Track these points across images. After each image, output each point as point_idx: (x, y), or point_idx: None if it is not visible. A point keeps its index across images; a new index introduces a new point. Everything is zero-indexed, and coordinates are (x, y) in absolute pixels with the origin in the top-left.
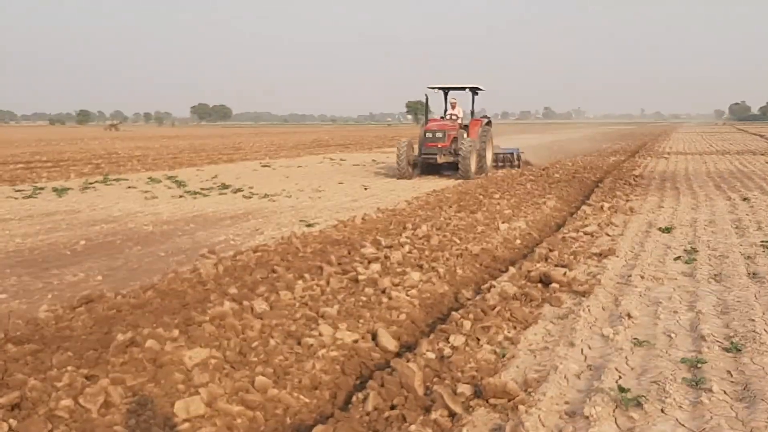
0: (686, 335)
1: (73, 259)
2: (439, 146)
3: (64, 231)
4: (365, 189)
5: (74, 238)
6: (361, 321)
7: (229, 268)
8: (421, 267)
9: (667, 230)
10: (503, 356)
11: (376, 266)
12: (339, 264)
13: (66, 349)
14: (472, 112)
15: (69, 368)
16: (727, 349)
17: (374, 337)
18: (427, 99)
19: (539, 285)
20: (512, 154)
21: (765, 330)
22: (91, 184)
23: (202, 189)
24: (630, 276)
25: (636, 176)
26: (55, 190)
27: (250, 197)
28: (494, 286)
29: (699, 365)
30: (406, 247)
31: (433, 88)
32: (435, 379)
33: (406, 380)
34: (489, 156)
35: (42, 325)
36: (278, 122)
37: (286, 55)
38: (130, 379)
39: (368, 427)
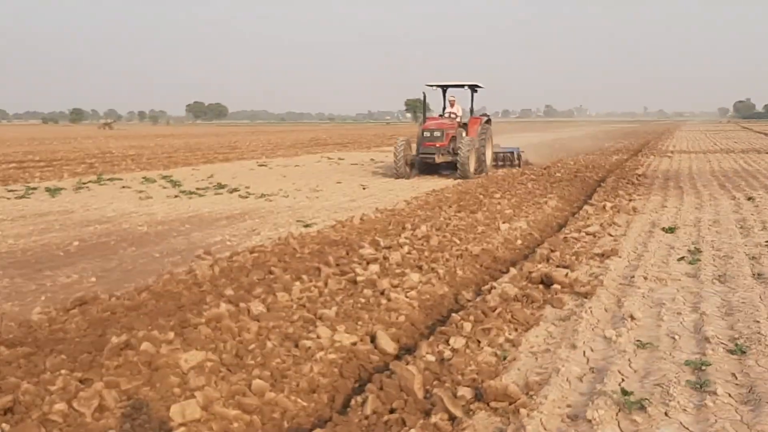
0: (690, 337)
1: (67, 260)
2: (438, 145)
3: (57, 232)
4: (364, 189)
5: (68, 238)
6: (360, 323)
7: (225, 269)
8: (420, 268)
9: (671, 230)
10: (504, 359)
11: (374, 267)
12: (337, 265)
13: (59, 352)
14: (471, 110)
15: (63, 371)
16: (731, 351)
17: (373, 339)
18: (424, 97)
19: (541, 286)
20: (512, 153)
21: None
22: (84, 184)
23: (197, 189)
24: (633, 277)
25: (639, 175)
26: (48, 190)
27: (247, 197)
28: (495, 288)
29: (703, 367)
30: (406, 248)
31: (431, 85)
32: (435, 382)
33: (405, 383)
34: (489, 155)
35: (35, 328)
36: (275, 121)
37: (283, 53)
38: (125, 382)
39: (367, 431)
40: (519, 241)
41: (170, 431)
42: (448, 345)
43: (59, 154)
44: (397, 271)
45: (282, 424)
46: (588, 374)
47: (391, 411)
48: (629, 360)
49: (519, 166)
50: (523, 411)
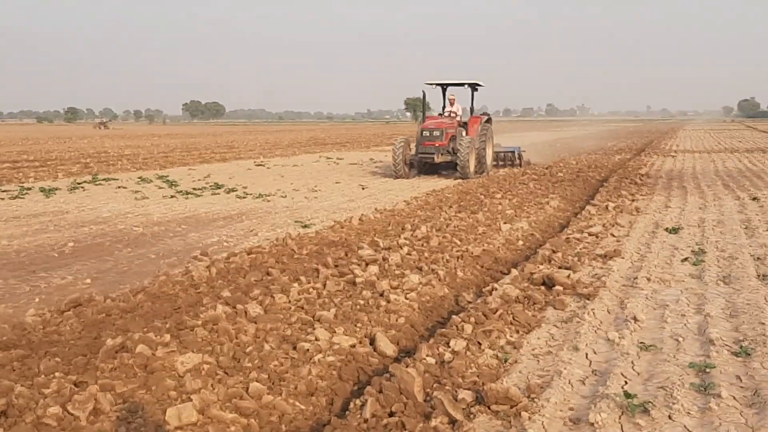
0: (694, 339)
1: (61, 261)
2: (437, 145)
3: (51, 232)
4: (363, 189)
5: (62, 239)
6: (359, 325)
7: (222, 270)
8: (420, 269)
9: (674, 231)
10: (505, 361)
11: (374, 268)
12: (336, 266)
13: (54, 355)
14: (472, 109)
15: (57, 374)
16: (736, 354)
17: (372, 341)
18: (424, 95)
19: (542, 287)
20: (513, 152)
21: None
22: (79, 184)
23: (194, 189)
24: (636, 278)
25: (642, 175)
26: (42, 190)
27: (244, 197)
28: (496, 289)
29: (707, 370)
30: (405, 249)
31: (431, 84)
32: (435, 385)
33: (405, 386)
34: (489, 155)
35: (29, 330)
36: (273, 120)
37: (281, 51)
38: (120, 385)
39: None
40: (520, 242)
41: None
42: (449, 347)
43: (54, 153)
44: (397, 272)
45: (280, 428)
46: (590, 377)
47: (391, 414)
48: (632, 362)
49: (520, 165)
50: (524, 414)
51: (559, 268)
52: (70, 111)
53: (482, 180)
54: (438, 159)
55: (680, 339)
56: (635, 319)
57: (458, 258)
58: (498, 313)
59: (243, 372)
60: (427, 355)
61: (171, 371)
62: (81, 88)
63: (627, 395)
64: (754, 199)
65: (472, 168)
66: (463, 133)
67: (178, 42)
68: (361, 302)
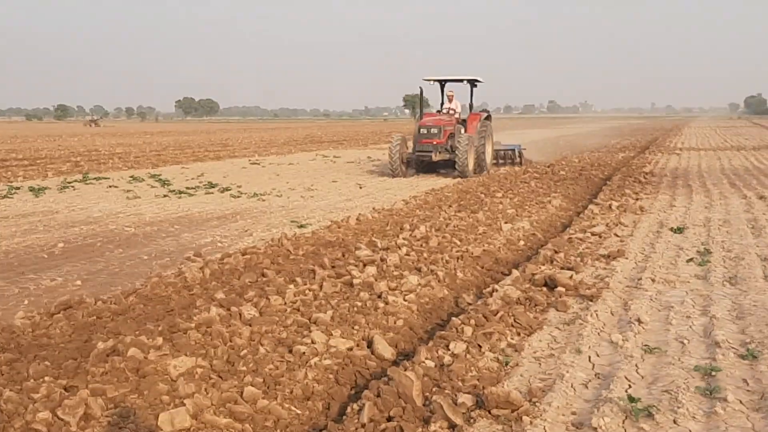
0: (700, 341)
1: (51, 262)
2: (435, 143)
3: (41, 233)
4: (360, 188)
5: (52, 240)
6: (356, 327)
7: (216, 271)
8: (419, 270)
9: (679, 230)
10: (506, 364)
11: (371, 269)
12: (332, 267)
13: (43, 359)
14: (471, 106)
15: (46, 379)
16: (742, 356)
17: (370, 344)
18: (421, 92)
19: (544, 289)
20: (513, 150)
21: None
22: (69, 183)
23: (187, 188)
24: (640, 279)
25: (646, 173)
26: (31, 189)
27: (239, 196)
28: (497, 290)
29: (713, 373)
30: (404, 249)
31: (429, 79)
32: (434, 389)
33: (403, 390)
34: (489, 153)
35: (18, 333)
36: (268, 117)
37: (276, 47)
38: (112, 390)
39: None
40: (522, 242)
41: None
42: (448, 350)
43: (43, 152)
44: (395, 273)
45: None
46: (593, 380)
47: (389, 419)
48: (636, 365)
49: (521, 164)
50: (526, 419)
51: (562, 268)
52: (60, 108)
53: (482, 179)
54: (436, 157)
55: (685, 341)
56: (639, 320)
57: (458, 258)
58: (499, 314)
59: (237, 376)
60: (426, 358)
61: (163, 375)
62: (71, 84)
63: (631, 399)
64: (761, 198)
65: (470, 167)
66: (462, 131)
67: (171, 38)
68: (359, 304)
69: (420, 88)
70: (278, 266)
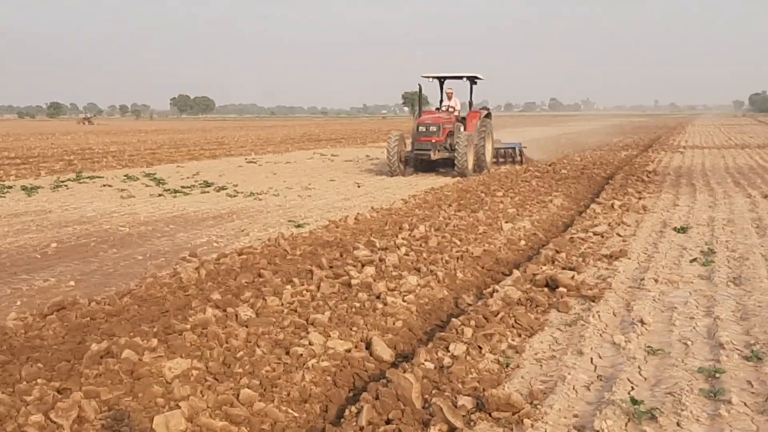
0: (703, 343)
1: (44, 263)
2: (434, 141)
3: (34, 233)
4: (358, 187)
5: (45, 240)
6: (355, 329)
7: (211, 272)
8: (418, 270)
9: (683, 230)
10: (507, 366)
11: (370, 270)
12: (330, 267)
13: (36, 360)
14: (470, 104)
15: (39, 381)
16: (747, 358)
17: (368, 345)
18: (420, 89)
19: (545, 289)
20: (513, 149)
21: None
22: (62, 182)
23: (182, 187)
24: (643, 279)
25: (649, 172)
26: (24, 188)
27: (235, 196)
28: (497, 291)
29: (717, 375)
30: (403, 249)
31: (428, 76)
32: (434, 391)
33: (402, 392)
34: (488, 151)
35: (10, 335)
36: (265, 115)
37: (273, 45)
38: (106, 392)
39: None
40: (522, 242)
41: None
42: (448, 352)
43: (36, 150)
44: (394, 273)
45: None
46: (595, 382)
47: (388, 422)
48: (639, 367)
49: (521, 162)
50: (527, 421)
51: (563, 269)
52: (52, 106)
53: (483, 177)
54: (434, 156)
55: (689, 343)
56: (642, 322)
57: (458, 259)
58: (499, 315)
59: (233, 378)
60: (426, 360)
61: (158, 377)
62: (64, 82)
63: (633, 401)
64: (765, 197)
65: (470, 165)
66: (461, 129)
67: (166, 35)
68: (357, 305)
69: (419, 85)
70: (275, 266)
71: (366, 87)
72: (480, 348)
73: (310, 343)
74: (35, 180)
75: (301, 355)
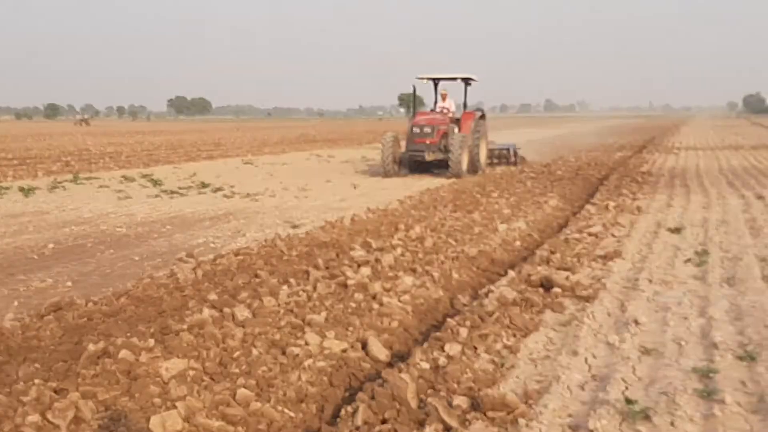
0: (697, 343)
1: (41, 263)
2: (428, 142)
3: (31, 234)
4: (354, 188)
5: (42, 241)
6: (351, 329)
7: (208, 272)
8: (414, 271)
9: (677, 231)
10: (502, 366)
11: (366, 270)
12: (326, 268)
13: (33, 361)
14: (465, 105)
15: (36, 381)
16: (741, 358)
17: (364, 346)
18: (414, 90)
19: (540, 290)
20: (508, 150)
21: None
22: (60, 183)
23: (179, 188)
24: (637, 280)
25: (644, 173)
26: (21, 189)
27: (232, 197)
28: (492, 291)
29: (711, 375)
30: (399, 250)
31: (422, 78)
32: (429, 391)
33: (398, 392)
34: (483, 153)
35: (7, 335)
36: (261, 116)
37: (269, 45)
38: (103, 392)
39: None
40: (518, 243)
41: None
42: (443, 352)
43: (33, 151)
44: (390, 274)
45: None
46: (590, 382)
47: (383, 422)
48: (633, 367)
49: (515, 164)
50: (521, 421)
51: (558, 269)
52: (49, 107)
53: (478, 178)
54: (429, 157)
55: (683, 343)
56: (636, 322)
57: (453, 259)
58: (494, 316)
59: (230, 378)
60: (421, 360)
61: (155, 377)
62: (61, 83)
63: (628, 401)
64: (759, 197)
65: (464, 167)
66: (456, 130)
67: (163, 35)
68: (353, 305)
69: (413, 86)
70: (271, 267)
71: (362, 88)
72: (475, 348)
73: (307, 344)
74: (32, 181)
75: (298, 355)
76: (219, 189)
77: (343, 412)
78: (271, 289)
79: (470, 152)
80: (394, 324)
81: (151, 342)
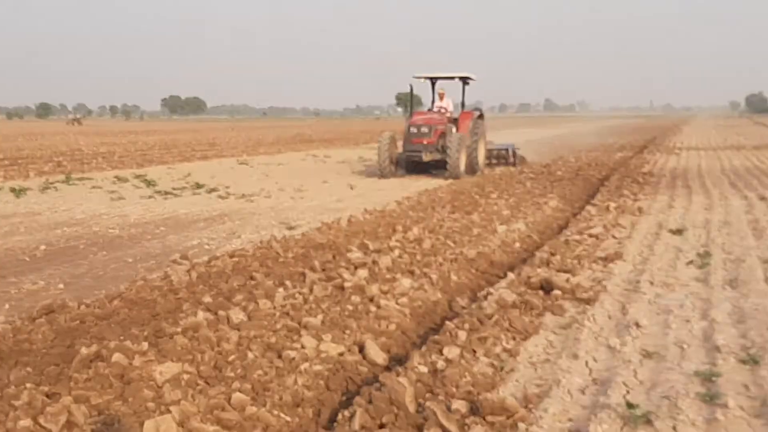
0: (699, 346)
1: (33, 265)
2: (425, 143)
3: (22, 235)
4: (351, 188)
5: (34, 242)
6: (348, 332)
7: (203, 274)
8: (412, 273)
9: (679, 232)
10: (501, 369)
11: (363, 272)
12: (323, 270)
13: (25, 364)
14: (463, 105)
15: (28, 385)
16: (743, 361)
17: (361, 349)
18: (411, 89)
19: (540, 292)
20: (507, 150)
21: None
22: (52, 183)
23: (173, 189)
24: (638, 282)
25: (645, 173)
26: (12, 190)
27: (227, 197)
28: (491, 294)
29: (713, 378)
30: (396, 252)
31: (419, 77)
32: (428, 395)
33: (396, 396)
34: (481, 153)
35: None
36: (257, 116)
37: (265, 44)
38: (95, 396)
39: None
40: (517, 244)
41: None
42: (442, 355)
43: (24, 151)
44: (388, 276)
45: None
46: (591, 386)
47: (381, 426)
48: (634, 371)
49: (514, 164)
50: (521, 425)
51: (558, 271)
52: (41, 106)
53: (477, 179)
54: (426, 157)
55: (685, 346)
56: (637, 324)
57: (452, 261)
58: (493, 319)
59: (225, 382)
60: (420, 364)
61: (149, 381)
62: (53, 82)
63: (629, 405)
64: (762, 198)
65: (462, 167)
66: (453, 130)
67: (157, 34)
68: (350, 308)
69: (410, 86)
70: (267, 269)
71: (359, 88)
72: (474, 351)
73: (303, 347)
74: (24, 181)
75: (294, 358)
76: (214, 190)
77: (340, 416)
78: (267, 292)
79: (468, 152)
80: (392, 327)
81: (145, 345)
